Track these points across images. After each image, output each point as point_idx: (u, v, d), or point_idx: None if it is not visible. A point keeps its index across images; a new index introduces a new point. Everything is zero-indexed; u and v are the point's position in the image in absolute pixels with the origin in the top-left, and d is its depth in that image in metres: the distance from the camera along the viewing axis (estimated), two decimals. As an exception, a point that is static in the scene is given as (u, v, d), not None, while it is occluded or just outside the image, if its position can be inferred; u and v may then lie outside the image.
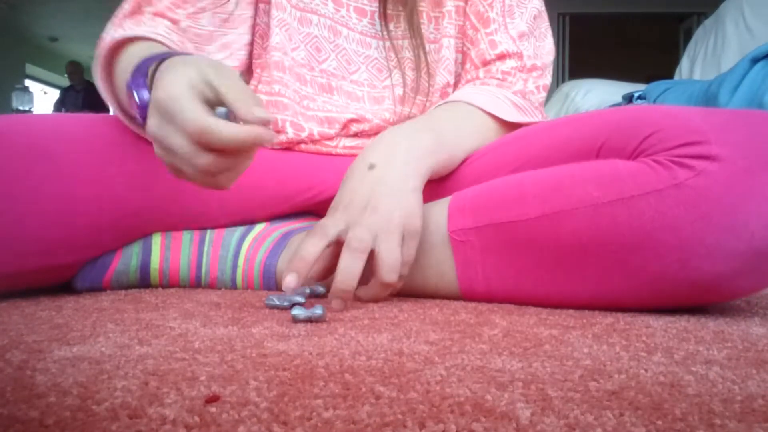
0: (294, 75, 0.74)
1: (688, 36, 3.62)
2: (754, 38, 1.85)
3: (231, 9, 0.73)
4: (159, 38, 0.63)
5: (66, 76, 6.04)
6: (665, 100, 1.63)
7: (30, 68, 7.33)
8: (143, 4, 0.69)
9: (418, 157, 0.59)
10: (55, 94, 7.34)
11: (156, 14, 0.68)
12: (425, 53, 0.73)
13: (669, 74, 2.40)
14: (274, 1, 0.73)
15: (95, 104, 5.45)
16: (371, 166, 0.58)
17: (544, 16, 0.76)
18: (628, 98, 1.85)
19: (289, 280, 0.50)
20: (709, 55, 2.06)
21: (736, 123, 0.49)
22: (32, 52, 7.18)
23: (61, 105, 5.85)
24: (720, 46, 2.01)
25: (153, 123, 0.47)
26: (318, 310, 0.47)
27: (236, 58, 0.76)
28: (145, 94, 0.52)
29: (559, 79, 4.89)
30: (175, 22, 0.70)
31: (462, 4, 0.75)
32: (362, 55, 0.76)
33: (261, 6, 0.76)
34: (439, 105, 0.70)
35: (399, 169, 0.57)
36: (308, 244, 0.53)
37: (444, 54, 0.75)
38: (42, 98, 7.27)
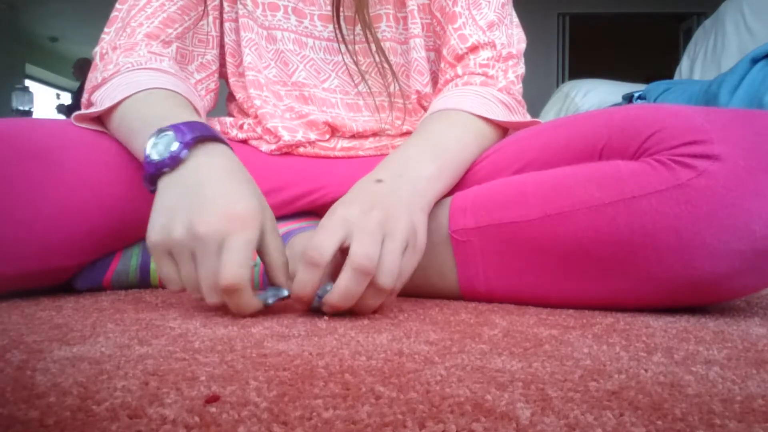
0: (271, 92, 0.75)
1: (688, 36, 3.63)
2: (754, 38, 1.84)
3: (207, 29, 0.75)
4: (168, 85, 0.63)
5: (72, 73, 5.98)
6: (665, 100, 1.63)
7: (30, 68, 7.32)
8: (131, 23, 0.69)
9: (424, 187, 0.56)
10: (66, 97, 7.31)
11: (148, 36, 0.69)
12: (385, 57, 0.73)
13: (669, 74, 2.40)
14: (241, 23, 0.74)
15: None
16: (379, 181, 0.54)
17: (511, 4, 0.75)
18: (628, 98, 1.85)
19: (307, 280, 0.46)
20: (709, 55, 2.06)
21: (738, 122, 0.49)
22: (32, 52, 7.18)
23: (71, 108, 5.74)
24: (720, 46, 2.01)
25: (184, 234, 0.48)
26: (284, 293, 0.49)
27: (213, 80, 0.77)
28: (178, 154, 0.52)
29: (559, 79, 4.88)
30: (167, 44, 0.71)
31: (426, 1, 0.74)
32: (331, 63, 0.76)
33: (227, 25, 0.76)
34: (433, 115, 0.67)
35: (409, 187, 0.54)
36: (322, 238, 0.47)
37: (413, 55, 0.74)
38: (53, 101, 7.21)
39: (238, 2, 0.74)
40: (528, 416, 0.25)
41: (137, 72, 0.64)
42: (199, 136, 0.52)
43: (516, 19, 0.75)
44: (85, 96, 0.69)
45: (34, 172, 0.57)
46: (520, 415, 0.25)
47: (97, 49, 0.69)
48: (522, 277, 0.54)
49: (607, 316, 0.50)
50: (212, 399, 0.27)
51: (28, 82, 7.01)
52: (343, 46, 0.74)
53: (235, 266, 0.45)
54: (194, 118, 0.56)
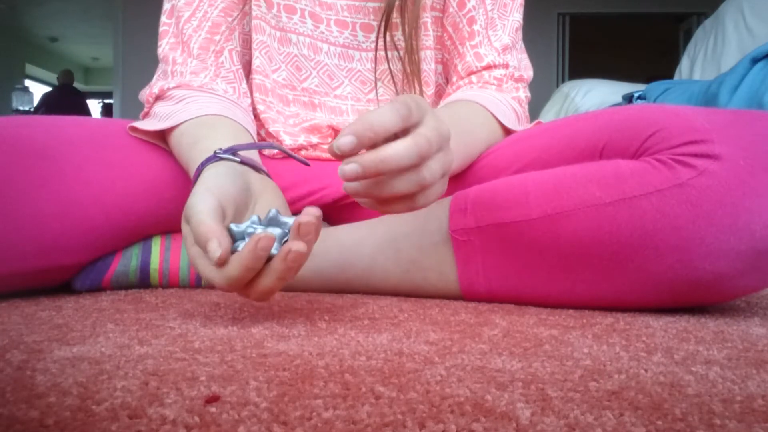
0: (276, 97, 0.75)
1: (688, 36, 3.63)
2: (754, 38, 1.85)
3: (247, 29, 0.75)
4: (222, 110, 0.64)
5: (57, 78, 6.05)
6: (665, 100, 1.63)
7: (30, 68, 7.33)
8: (182, 37, 0.70)
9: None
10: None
11: (201, 48, 0.70)
12: (418, 65, 0.73)
13: (669, 74, 2.40)
14: (253, 25, 0.74)
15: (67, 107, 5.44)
16: None
17: (521, 30, 0.77)
18: (628, 98, 1.85)
19: (345, 141, 0.39)
20: (709, 55, 2.06)
21: (738, 123, 0.49)
22: (32, 52, 7.18)
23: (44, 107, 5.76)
24: (720, 46, 2.01)
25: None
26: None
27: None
28: None
29: (559, 79, 4.88)
30: (219, 53, 0.71)
31: (439, 14, 0.75)
32: (345, 69, 0.76)
33: (246, 21, 0.76)
34: (456, 102, 0.69)
35: None
36: (382, 113, 0.40)
37: (422, 66, 0.75)
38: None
39: (252, 2, 0.73)
40: (528, 416, 0.25)
41: (193, 98, 0.66)
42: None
43: (523, 46, 0.77)
44: (148, 99, 0.70)
45: (34, 171, 0.57)
46: (520, 415, 0.25)
47: (161, 59, 0.71)
48: (522, 277, 0.54)
49: (607, 316, 0.50)
50: (212, 399, 0.27)
51: (28, 82, 7.02)
52: (363, 53, 0.75)
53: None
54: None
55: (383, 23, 0.72)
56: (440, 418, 0.25)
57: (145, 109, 0.70)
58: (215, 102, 0.66)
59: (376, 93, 0.76)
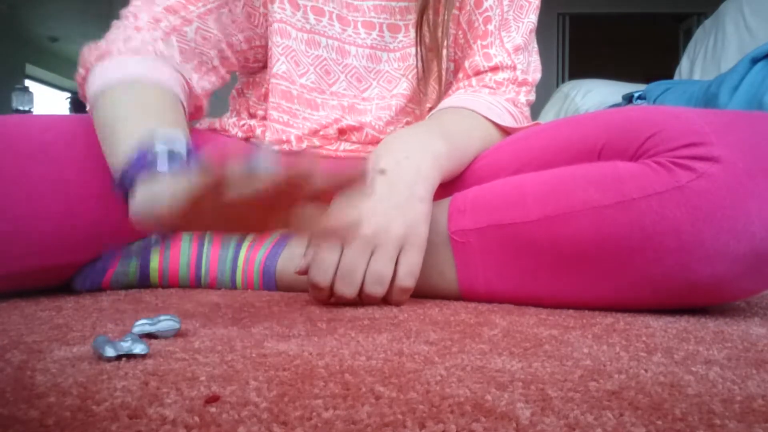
0: (304, 102, 0.74)
1: (688, 36, 3.63)
2: (754, 38, 1.85)
3: (238, 12, 0.73)
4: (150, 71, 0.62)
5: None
6: (665, 101, 1.63)
7: (30, 68, 7.32)
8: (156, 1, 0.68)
9: (431, 165, 0.57)
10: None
11: (167, 9, 0.68)
12: (440, 62, 0.73)
13: (669, 74, 2.40)
14: (277, 28, 0.72)
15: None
16: (382, 171, 0.55)
17: (535, 32, 0.76)
18: (628, 98, 1.85)
19: (316, 298, 0.53)
20: (709, 56, 2.06)
21: (737, 124, 0.49)
22: (32, 52, 7.18)
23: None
24: (720, 46, 2.01)
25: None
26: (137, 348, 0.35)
27: (226, 66, 0.75)
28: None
29: (559, 79, 4.88)
30: (188, 22, 0.69)
31: (455, 12, 0.74)
32: (373, 71, 0.75)
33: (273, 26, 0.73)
34: (443, 109, 0.69)
35: (410, 176, 0.55)
36: (318, 272, 0.52)
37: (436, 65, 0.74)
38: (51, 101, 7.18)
39: (276, 5, 0.71)
40: (528, 416, 0.25)
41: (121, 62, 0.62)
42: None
43: (536, 47, 0.77)
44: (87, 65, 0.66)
45: (31, 168, 0.57)
46: (520, 415, 0.25)
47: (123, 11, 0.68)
48: (521, 278, 0.54)
49: (607, 316, 0.50)
50: (212, 399, 0.27)
51: (28, 82, 7.01)
52: (390, 54, 0.74)
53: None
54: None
55: (420, 20, 0.71)
56: (440, 418, 0.25)
57: (82, 73, 0.66)
58: (134, 65, 0.62)
59: (425, 85, 0.74)
